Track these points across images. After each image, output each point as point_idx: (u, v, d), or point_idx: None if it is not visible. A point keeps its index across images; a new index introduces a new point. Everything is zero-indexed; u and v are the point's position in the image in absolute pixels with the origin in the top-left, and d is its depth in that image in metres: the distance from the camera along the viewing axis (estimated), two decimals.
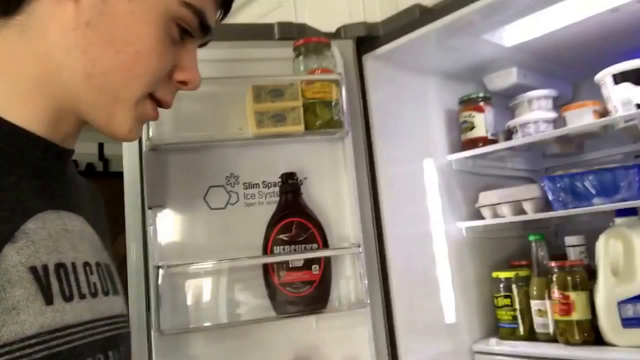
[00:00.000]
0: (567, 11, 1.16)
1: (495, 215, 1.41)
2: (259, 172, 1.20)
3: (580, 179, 1.21)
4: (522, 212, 1.37)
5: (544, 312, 1.29)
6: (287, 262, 1.13)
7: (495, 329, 1.42)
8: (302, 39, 1.22)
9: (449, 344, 1.36)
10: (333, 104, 1.19)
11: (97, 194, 0.71)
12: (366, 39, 1.31)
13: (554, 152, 1.52)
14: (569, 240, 1.36)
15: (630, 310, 1.15)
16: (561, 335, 1.24)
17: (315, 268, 1.14)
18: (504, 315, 1.38)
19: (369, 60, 1.31)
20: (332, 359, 1.17)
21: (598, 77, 1.24)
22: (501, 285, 1.39)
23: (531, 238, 1.36)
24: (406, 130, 1.38)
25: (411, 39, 1.22)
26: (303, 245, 1.15)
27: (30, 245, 0.48)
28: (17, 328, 0.44)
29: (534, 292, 1.32)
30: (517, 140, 1.37)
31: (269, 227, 1.16)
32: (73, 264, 0.52)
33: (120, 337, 0.58)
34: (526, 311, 1.34)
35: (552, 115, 1.37)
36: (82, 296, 0.52)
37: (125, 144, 1.15)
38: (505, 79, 1.47)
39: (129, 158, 1.15)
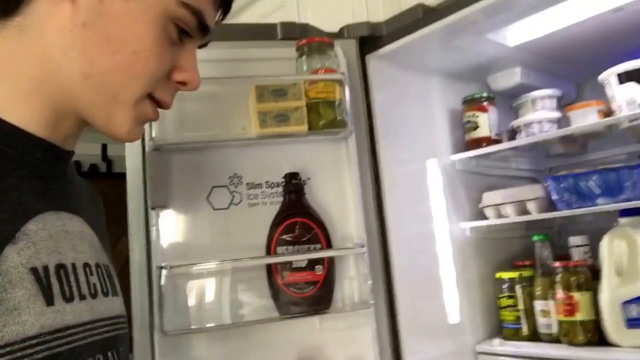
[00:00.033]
0: (571, 11, 1.15)
1: (499, 215, 1.41)
2: (262, 172, 1.20)
3: (584, 179, 1.21)
4: (526, 212, 1.36)
5: (548, 312, 1.29)
6: (290, 263, 1.13)
7: (499, 330, 1.42)
8: (305, 38, 1.22)
9: (452, 344, 1.35)
10: (336, 103, 1.19)
11: (96, 195, 0.71)
12: (369, 39, 1.31)
13: (558, 152, 1.52)
14: (573, 240, 1.35)
15: (634, 311, 1.15)
16: (565, 335, 1.23)
17: (318, 268, 1.14)
18: (508, 315, 1.38)
19: (372, 60, 1.31)
20: None
21: (602, 76, 1.24)
22: (505, 286, 1.39)
23: (535, 238, 1.36)
24: (410, 130, 1.38)
25: (414, 39, 1.22)
26: (306, 246, 1.14)
27: (31, 246, 0.48)
28: (18, 328, 0.44)
29: (538, 293, 1.32)
30: (521, 140, 1.37)
31: (272, 228, 1.16)
32: (73, 265, 0.53)
33: (119, 338, 0.59)
34: (530, 311, 1.34)
35: (556, 115, 1.37)
36: (82, 297, 0.52)
37: (127, 144, 1.15)
38: (509, 78, 1.47)
39: (131, 158, 1.15)
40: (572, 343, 1.22)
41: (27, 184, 0.51)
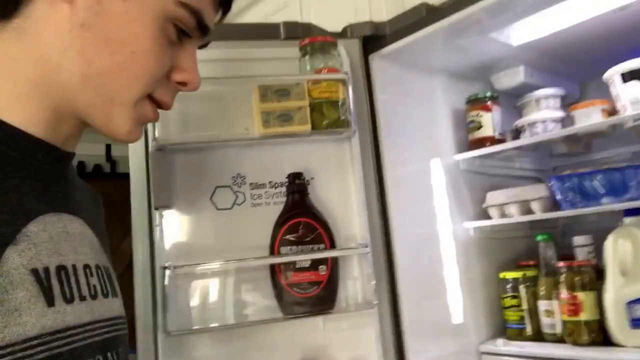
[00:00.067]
0: (575, 9, 1.15)
1: (503, 215, 1.41)
2: (266, 173, 1.20)
3: (588, 178, 1.20)
4: (530, 212, 1.36)
5: (552, 312, 1.28)
6: (294, 263, 1.13)
7: (503, 330, 1.41)
8: (308, 38, 1.21)
9: (456, 344, 1.35)
10: (340, 103, 1.19)
11: (97, 196, 0.71)
12: (372, 38, 1.30)
13: (562, 152, 1.51)
14: (577, 240, 1.35)
15: (639, 311, 1.14)
16: (569, 335, 1.23)
17: (322, 268, 1.14)
18: (512, 315, 1.38)
19: (375, 59, 1.31)
20: None
21: (606, 75, 1.23)
22: (508, 286, 1.38)
23: (539, 238, 1.36)
24: (413, 129, 1.37)
25: (418, 38, 1.22)
26: (310, 246, 1.14)
27: (32, 247, 0.48)
28: (19, 329, 0.44)
29: (542, 293, 1.31)
30: (525, 139, 1.36)
31: (276, 228, 1.16)
32: (74, 266, 0.53)
33: (118, 339, 0.59)
34: (533, 311, 1.34)
35: (560, 114, 1.36)
36: (82, 298, 0.53)
37: (131, 145, 1.15)
38: (513, 78, 1.46)
39: (135, 159, 1.15)
40: (576, 343, 1.21)
41: (28, 185, 0.52)
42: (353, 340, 1.18)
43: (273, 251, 1.15)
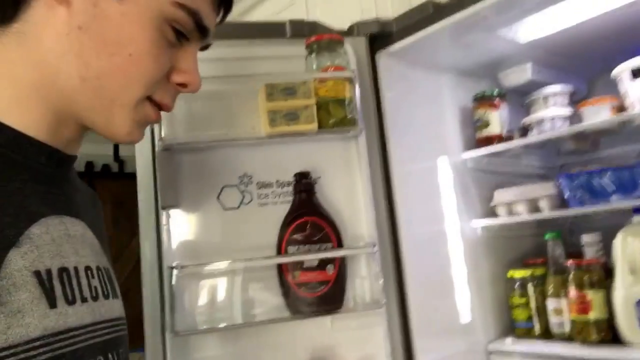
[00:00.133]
0: (582, 6, 1.14)
1: (511, 213, 1.40)
2: (273, 172, 1.20)
3: (597, 176, 1.20)
4: (538, 210, 1.35)
5: (560, 311, 1.28)
6: (301, 262, 1.13)
7: (511, 329, 1.41)
8: (315, 36, 1.21)
9: (464, 343, 1.35)
10: (346, 102, 1.18)
11: (96, 198, 0.72)
12: (379, 36, 1.30)
13: (569, 149, 1.51)
14: (586, 238, 1.34)
15: None
16: (578, 334, 1.22)
17: (330, 268, 1.14)
18: (520, 314, 1.37)
19: (382, 57, 1.30)
20: None
21: (615, 72, 1.22)
22: (516, 284, 1.38)
23: (547, 236, 1.35)
24: (420, 128, 1.37)
25: (425, 36, 1.21)
26: (317, 245, 1.14)
27: (35, 249, 0.48)
28: (22, 331, 0.45)
29: (550, 291, 1.30)
30: (533, 137, 1.35)
31: (283, 227, 1.15)
32: (75, 268, 0.53)
33: (119, 339, 0.59)
34: (542, 310, 1.33)
35: (568, 111, 1.35)
36: (84, 299, 0.53)
37: (137, 145, 1.15)
38: (520, 75, 1.45)
39: (141, 158, 1.15)
40: (585, 342, 1.21)
41: (31, 188, 0.52)
42: (361, 339, 1.18)
43: (280, 251, 1.14)
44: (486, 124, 1.43)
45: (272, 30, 1.27)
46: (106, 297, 0.58)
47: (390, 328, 1.18)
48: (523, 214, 1.36)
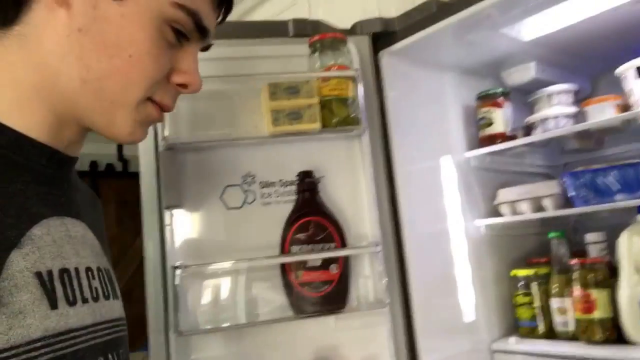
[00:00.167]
0: (587, 4, 1.14)
1: (515, 212, 1.40)
2: (276, 171, 1.20)
3: (602, 174, 1.19)
4: (542, 209, 1.35)
5: (565, 310, 1.27)
6: (305, 262, 1.13)
7: (515, 328, 1.40)
8: (318, 35, 1.21)
9: (468, 342, 1.34)
10: (349, 101, 1.18)
11: (96, 199, 0.72)
12: (382, 35, 1.29)
13: (573, 148, 1.50)
14: (590, 237, 1.33)
15: None
16: (582, 333, 1.22)
17: (333, 267, 1.14)
18: (524, 313, 1.36)
19: (385, 56, 1.30)
20: (352, 359, 1.16)
21: (619, 70, 1.22)
22: (520, 284, 1.37)
23: (551, 235, 1.34)
24: (423, 127, 1.36)
25: (428, 34, 1.21)
26: (321, 245, 1.14)
27: (36, 251, 0.49)
28: (23, 331, 0.45)
29: (554, 290, 1.30)
30: (538, 135, 1.35)
31: (286, 227, 1.15)
32: (76, 269, 0.53)
33: (119, 340, 0.60)
34: (546, 309, 1.32)
35: (573, 110, 1.35)
36: (84, 300, 0.53)
37: (140, 144, 1.15)
38: (524, 73, 1.45)
39: (145, 158, 1.15)
40: (590, 341, 1.20)
41: (32, 189, 0.52)
42: (365, 339, 1.17)
43: (284, 250, 1.14)
44: (490, 123, 1.42)
45: (275, 29, 1.26)
46: (106, 297, 0.58)
47: (394, 327, 1.18)
48: (527, 213, 1.36)
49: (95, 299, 0.55)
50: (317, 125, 1.15)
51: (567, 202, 1.30)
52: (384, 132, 1.28)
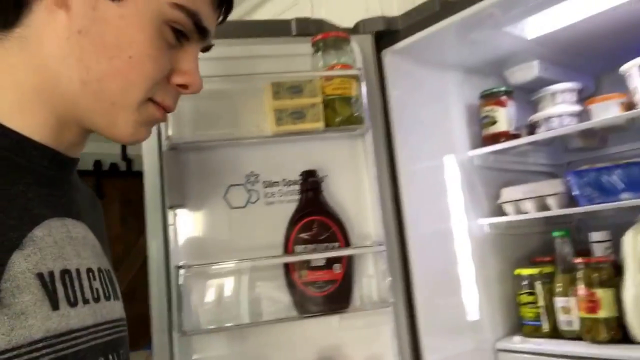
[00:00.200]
0: (591, 2, 1.13)
1: (519, 211, 1.39)
2: (279, 170, 1.19)
3: (607, 173, 1.19)
4: (546, 207, 1.34)
5: (569, 309, 1.27)
6: (308, 261, 1.12)
7: (519, 327, 1.40)
8: (321, 34, 1.20)
9: (471, 341, 1.34)
10: (353, 100, 1.18)
11: (97, 200, 0.72)
12: (385, 34, 1.29)
13: (577, 146, 1.49)
14: (594, 236, 1.33)
15: None
16: (587, 333, 1.21)
17: (337, 267, 1.13)
18: (528, 312, 1.36)
19: (388, 55, 1.30)
20: (355, 359, 1.16)
21: (624, 68, 1.21)
22: (524, 283, 1.37)
23: (556, 234, 1.34)
24: (426, 126, 1.36)
25: (431, 33, 1.20)
26: (324, 244, 1.14)
27: (37, 252, 0.49)
28: (25, 332, 0.45)
29: (558, 289, 1.30)
30: (542, 134, 1.34)
31: (290, 226, 1.15)
32: (77, 270, 0.54)
33: (120, 340, 0.60)
34: (550, 308, 1.32)
35: (577, 108, 1.34)
36: (85, 301, 0.54)
37: (144, 144, 1.15)
38: (527, 72, 1.44)
39: (148, 157, 1.15)
40: (594, 340, 1.20)
41: (34, 191, 0.52)
42: (368, 338, 1.17)
43: (287, 250, 1.14)
44: (493, 122, 1.42)
45: (277, 28, 1.26)
46: (107, 298, 0.58)
47: (397, 327, 1.18)
48: (531, 212, 1.36)
49: (96, 300, 0.56)
50: (320, 124, 1.15)
51: (571, 200, 1.30)
52: (387, 131, 1.27)
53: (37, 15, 0.53)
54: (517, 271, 1.39)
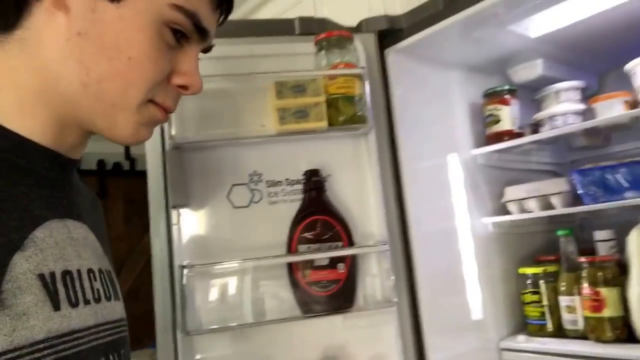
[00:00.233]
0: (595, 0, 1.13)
1: (522, 210, 1.39)
2: (282, 170, 1.19)
3: (611, 172, 1.18)
4: (550, 206, 1.34)
5: (573, 308, 1.27)
6: (312, 261, 1.12)
7: (523, 326, 1.40)
8: (325, 33, 1.20)
9: (476, 340, 1.34)
10: (356, 99, 1.18)
11: (97, 201, 0.72)
12: (388, 33, 1.29)
13: (581, 145, 1.49)
14: (599, 235, 1.32)
15: None
16: (592, 332, 1.21)
17: (340, 266, 1.13)
18: (532, 311, 1.36)
19: (391, 54, 1.29)
20: (359, 358, 1.15)
21: (628, 66, 1.21)
22: (528, 281, 1.37)
23: (560, 233, 1.33)
24: (430, 125, 1.36)
25: (435, 31, 1.20)
26: (328, 244, 1.13)
27: (39, 253, 0.49)
28: (27, 333, 0.46)
29: (563, 288, 1.29)
30: (546, 132, 1.34)
31: (293, 225, 1.15)
32: (78, 271, 0.54)
33: (121, 341, 0.60)
34: (554, 307, 1.32)
35: (581, 107, 1.34)
36: (86, 302, 0.54)
37: (147, 143, 1.15)
38: (531, 70, 1.44)
39: (151, 157, 1.15)
40: (599, 340, 1.19)
41: (35, 192, 0.53)
42: (372, 338, 1.17)
43: (290, 249, 1.14)
44: (497, 120, 1.41)
45: (281, 27, 1.26)
46: (108, 299, 0.59)
47: (401, 326, 1.17)
48: (535, 211, 1.35)
49: (97, 301, 0.56)
50: (323, 123, 1.14)
51: (576, 199, 1.29)
52: (390, 130, 1.27)
53: (37, 18, 0.53)
54: (521, 270, 1.39)
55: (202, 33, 0.59)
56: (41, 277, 0.48)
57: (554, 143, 1.53)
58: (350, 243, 1.16)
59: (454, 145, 1.42)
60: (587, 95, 1.40)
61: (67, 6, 0.53)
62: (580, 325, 1.25)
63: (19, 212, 0.49)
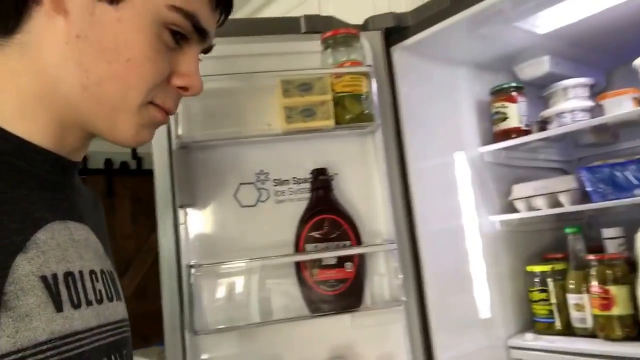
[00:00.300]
0: None
1: (530, 207, 1.38)
2: (289, 168, 1.19)
3: (620, 169, 1.17)
4: (558, 204, 1.33)
5: (582, 306, 1.26)
6: (320, 260, 1.12)
7: (531, 324, 1.39)
8: (331, 31, 1.20)
9: (484, 339, 1.33)
10: (363, 97, 1.17)
11: (98, 202, 0.72)
12: (394, 30, 1.28)
13: (589, 142, 1.48)
14: (607, 232, 1.32)
15: None
16: (601, 330, 1.20)
17: (348, 265, 1.13)
18: (540, 309, 1.35)
19: (397, 51, 1.29)
20: (367, 358, 1.15)
21: (637, 62, 1.20)
22: (536, 279, 1.36)
23: (568, 231, 1.33)
24: (436, 122, 1.35)
25: (441, 29, 1.19)
26: (335, 243, 1.13)
27: (41, 255, 0.49)
28: (30, 334, 0.46)
29: (571, 286, 1.29)
30: (554, 130, 1.33)
31: (301, 224, 1.15)
32: (80, 272, 0.54)
33: (123, 341, 0.61)
34: (562, 305, 1.31)
35: (589, 103, 1.33)
36: (89, 303, 0.54)
37: (154, 142, 1.15)
38: (538, 67, 1.43)
39: (158, 156, 1.15)
40: (608, 338, 1.19)
41: (36, 195, 0.53)
42: (380, 337, 1.17)
43: (298, 248, 1.14)
44: (504, 118, 1.41)
45: (286, 26, 1.26)
46: (110, 299, 0.59)
47: (409, 325, 1.17)
48: (543, 209, 1.34)
49: (99, 302, 0.56)
50: (330, 122, 1.14)
51: (584, 197, 1.29)
52: (396, 128, 1.27)
53: (37, 21, 0.53)
54: (529, 268, 1.38)
55: (201, 34, 0.59)
56: (43, 278, 0.49)
57: (561, 140, 1.53)
58: (358, 242, 1.16)
59: (461, 143, 1.42)
60: (595, 92, 1.39)
61: (66, 10, 0.53)
62: (589, 323, 1.24)
63: (21, 215, 0.50)
